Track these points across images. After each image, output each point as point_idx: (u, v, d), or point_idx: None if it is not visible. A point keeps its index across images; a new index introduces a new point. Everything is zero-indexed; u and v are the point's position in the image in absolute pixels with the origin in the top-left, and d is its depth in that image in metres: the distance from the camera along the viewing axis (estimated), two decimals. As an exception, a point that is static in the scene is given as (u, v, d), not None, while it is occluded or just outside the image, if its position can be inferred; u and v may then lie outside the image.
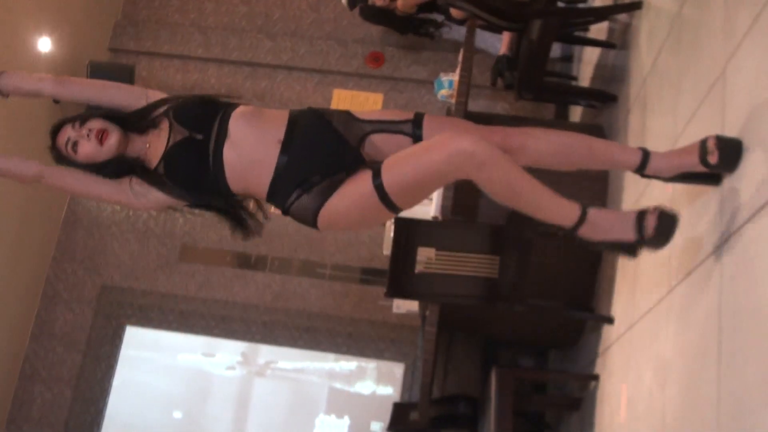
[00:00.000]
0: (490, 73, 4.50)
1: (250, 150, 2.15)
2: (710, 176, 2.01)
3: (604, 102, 3.82)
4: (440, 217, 3.84)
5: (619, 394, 2.88)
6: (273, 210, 2.30)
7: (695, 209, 2.18)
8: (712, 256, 1.98)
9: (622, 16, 3.83)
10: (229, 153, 2.15)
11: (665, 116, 2.71)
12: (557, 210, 2.00)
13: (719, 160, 1.92)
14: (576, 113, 4.78)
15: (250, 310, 5.74)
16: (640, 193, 2.84)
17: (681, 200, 2.31)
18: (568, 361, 4.00)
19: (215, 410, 6.22)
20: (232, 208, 2.29)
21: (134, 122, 2.23)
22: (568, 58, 5.30)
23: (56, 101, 5.43)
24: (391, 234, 3.55)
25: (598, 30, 4.29)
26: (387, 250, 4.04)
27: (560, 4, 4.17)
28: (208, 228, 5.86)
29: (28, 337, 5.77)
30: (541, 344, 4.38)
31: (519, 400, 3.47)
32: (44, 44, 5.52)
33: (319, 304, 5.69)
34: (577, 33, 4.47)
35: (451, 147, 1.90)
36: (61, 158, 2.23)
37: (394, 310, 4.69)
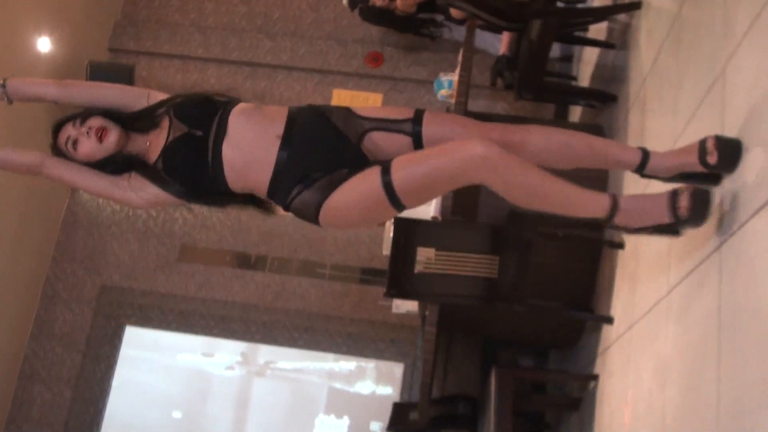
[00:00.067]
0: (489, 73, 4.50)
1: (250, 146, 2.15)
2: (709, 176, 2.00)
3: (604, 102, 3.82)
4: (440, 217, 3.84)
5: (618, 394, 2.88)
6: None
7: (695, 209, 2.17)
8: (712, 256, 1.98)
9: (622, 16, 3.83)
10: (228, 151, 2.16)
11: (665, 116, 2.71)
12: (586, 204, 2.00)
13: (718, 160, 1.92)
14: (576, 113, 4.78)
15: (250, 310, 5.74)
16: (640, 193, 2.84)
17: (681, 200, 2.30)
18: (567, 361, 3.99)
19: (215, 410, 6.21)
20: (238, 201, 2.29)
21: (135, 121, 2.25)
22: (567, 58, 5.30)
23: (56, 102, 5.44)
24: (391, 234, 3.56)
25: (598, 30, 4.29)
26: (386, 250, 4.04)
27: (560, 4, 4.17)
28: (208, 228, 5.87)
29: (27, 337, 5.76)
30: (541, 344, 4.38)
31: (519, 400, 3.47)
32: (44, 44, 5.52)
33: (319, 304, 5.68)
34: (576, 33, 4.47)
35: (465, 152, 1.91)
36: (61, 156, 2.25)
37: (394, 310, 4.69)
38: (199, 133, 2.17)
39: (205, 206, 2.32)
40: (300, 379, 6.17)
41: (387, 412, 4.21)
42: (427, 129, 2.15)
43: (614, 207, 1.97)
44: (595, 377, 3.29)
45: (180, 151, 2.18)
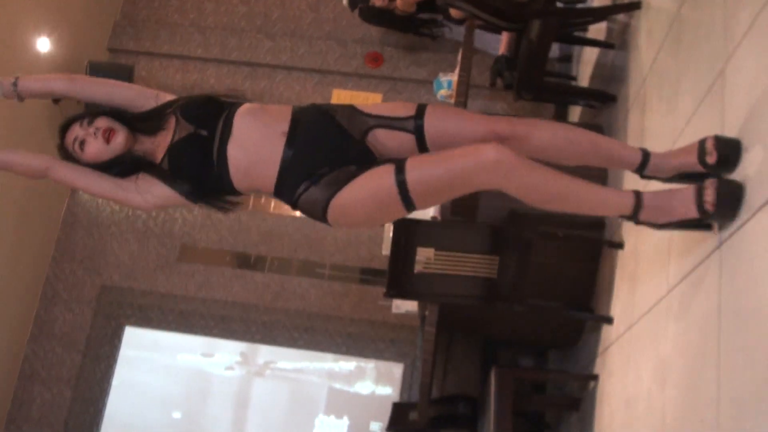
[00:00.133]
0: (489, 74, 4.49)
1: (255, 146, 2.15)
2: (709, 176, 2.00)
3: (604, 102, 3.82)
4: (439, 217, 3.84)
5: (618, 394, 2.88)
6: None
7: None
8: (712, 255, 1.98)
9: (621, 16, 3.83)
10: (233, 151, 2.15)
11: (664, 116, 2.71)
12: (608, 202, 2.00)
13: (717, 160, 1.92)
14: (575, 113, 4.78)
15: (250, 310, 5.74)
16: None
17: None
18: (567, 361, 3.99)
19: (214, 410, 6.21)
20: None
21: (142, 122, 2.24)
22: (567, 58, 5.30)
23: (56, 101, 5.44)
24: (391, 234, 3.56)
25: (597, 30, 4.29)
26: (386, 250, 4.04)
27: (559, 5, 4.17)
28: (208, 228, 5.87)
29: (27, 337, 5.77)
30: (541, 344, 4.38)
31: (518, 400, 3.47)
32: (43, 44, 5.52)
33: (319, 305, 5.69)
34: (576, 33, 4.47)
35: (479, 156, 1.91)
36: (68, 156, 2.24)
37: (394, 310, 4.70)
38: (204, 132, 2.17)
39: (209, 208, 2.30)
40: (300, 379, 6.17)
41: (387, 412, 4.22)
42: (429, 122, 2.14)
43: (638, 204, 1.97)
44: (595, 377, 3.29)
45: (186, 151, 2.18)
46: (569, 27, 4.21)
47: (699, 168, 1.99)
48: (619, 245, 3.16)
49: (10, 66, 4.96)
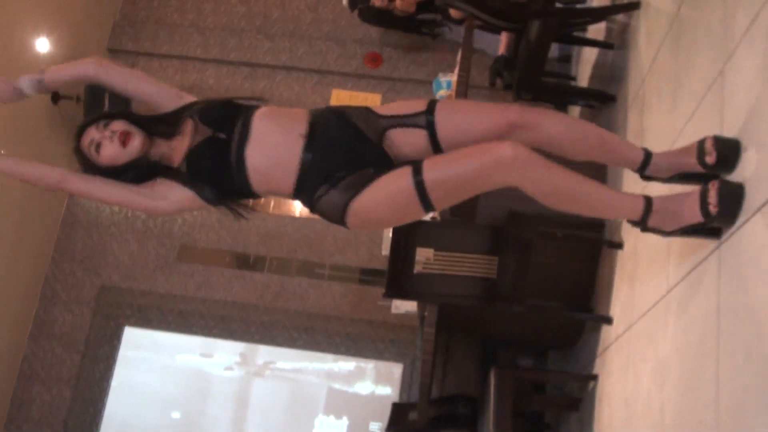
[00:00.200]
0: (488, 74, 4.50)
1: (274, 148, 2.14)
2: (708, 176, 2.00)
3: (603, 102, 3.82)
4: (439, 218, 3.84)
5: (618, 394, 2.88)
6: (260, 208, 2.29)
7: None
8: (711, 256, 1.99)
9: (621, 17, 3.83)
10: (252, 154, 2.14)
11: (664, 116, 2.71)
12: (618, 205, 2.00)
13: (717, 160, 1.92)
14: (574, 113, 4.78)
15: (249, 311, 5.74)
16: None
17: (680, 200, 2.30)
18: (567, 361, 4.00)
19: (214, 410, 6.21)
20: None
21: (159, 126, 2.22)
22: (566, 59, 5.30)
23: (55, 101, 5.44)
24: (390, 234, 3.56)
25: (597, 30, 4.29)
26: (386, 250, 4.04)
27: (558, 5, 4.17)
28: (207, 228, 5.87)
29: (26, 338, 5.76)
30: (541, 344, 4.38)
31: (518, 400, 3.47)
32: (43, 44, 5.52)
33: (318, 305, 5.68)
34: (575, 33, 4.47)
35: (495, 153, 1.91)
36: (84, 160, 2.21)
37: (393, 310, 4.70)
38: (222, 135, 2.16)
39: (228, 211, 2.27)
40: (299, 379, 6.17)
41: (386, 413, 4.21)
42: (440, 117, 2.13)
43: (648, 209, 1.97)
44: (595, 377, 3.29)
45: (204, 155, 2.16)
46: (568, 27, 4.21)
47: (698, 168, 1.99)
48: (619, 245, 3.16)
49: (10, 66, 4.96)
